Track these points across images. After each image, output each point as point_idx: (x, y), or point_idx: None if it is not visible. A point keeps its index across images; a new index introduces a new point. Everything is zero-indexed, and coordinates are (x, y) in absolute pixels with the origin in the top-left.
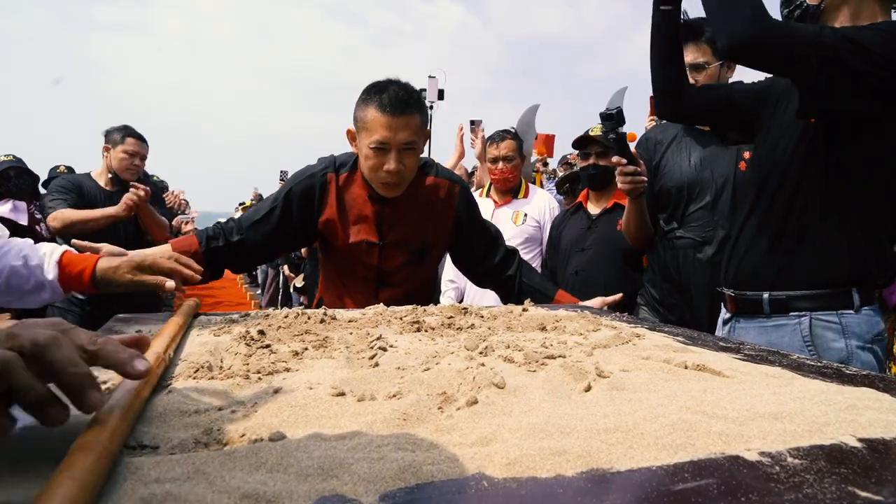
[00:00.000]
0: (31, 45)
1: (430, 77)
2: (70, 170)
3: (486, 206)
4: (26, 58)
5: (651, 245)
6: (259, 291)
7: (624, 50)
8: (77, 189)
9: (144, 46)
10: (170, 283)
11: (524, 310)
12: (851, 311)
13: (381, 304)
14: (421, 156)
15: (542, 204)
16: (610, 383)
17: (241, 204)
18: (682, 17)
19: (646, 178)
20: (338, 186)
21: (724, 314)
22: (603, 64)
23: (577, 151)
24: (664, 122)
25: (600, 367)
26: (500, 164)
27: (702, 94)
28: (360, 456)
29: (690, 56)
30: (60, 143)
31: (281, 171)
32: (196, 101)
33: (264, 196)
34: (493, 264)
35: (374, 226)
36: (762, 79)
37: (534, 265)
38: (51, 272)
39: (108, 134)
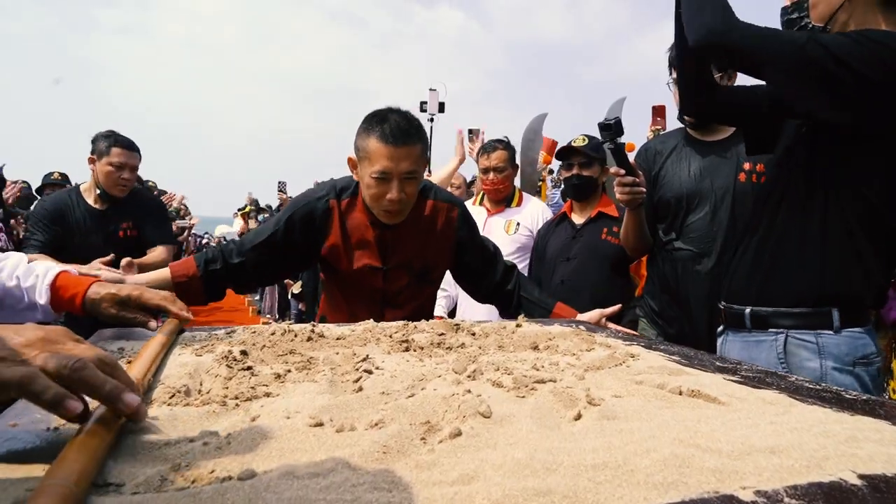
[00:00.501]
0: (31, 45)
1: (430, 90)
2: (64, 177)
3: (479, 215)
4: (26, 58)
5: (650, 256)
6: (257, 297)
7: (624, 54)
8: (59, 219)
9: (145, 49)
10: (152, 324)
11: (518, 325)
12: (830, 332)
13: (372, 320)
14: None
15: (534, 213)
16: (601, 412)
17: (239, 209)
18: None
19: (644, 189)
20: (340, 213)
21: (719, 327)
22: (603, 68)
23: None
24: (664, 132)
25: (591, 394)
26: (491, 175)
27: (731, 93)
28: (332, 497)
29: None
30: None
31: (279, 182)
32: (196, 104)
33: (259, 201)
34: (493, 281)
35: (376, 251)
36: None
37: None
38: (42, 296)
39: (93, 142)
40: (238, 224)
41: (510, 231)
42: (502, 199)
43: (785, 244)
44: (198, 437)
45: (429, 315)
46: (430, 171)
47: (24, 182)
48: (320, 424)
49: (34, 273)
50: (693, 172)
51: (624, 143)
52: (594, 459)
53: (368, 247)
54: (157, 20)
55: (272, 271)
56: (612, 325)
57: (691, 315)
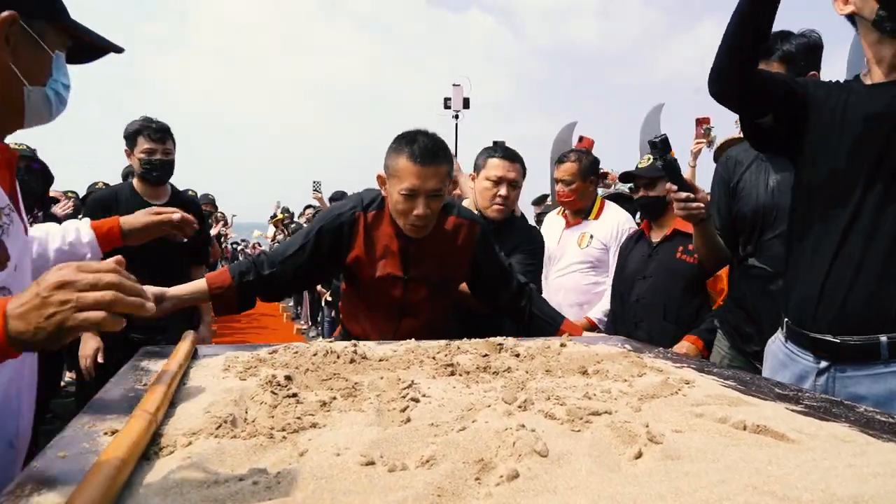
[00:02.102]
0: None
1: (454, 85)
2: (108, 186)
3: (557, 225)
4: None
5: (730, 269)
6: (291, 303)
7: (656, 59)
8: (107, 209)
9: (183, 60)
10: (175, 216)
11: (562, 345)
12: None
13: (412, 338)
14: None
15: (611, 225)
16: (663, 450)
17: (272, 217)
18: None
19: (702, 204)
20: (366, 224)
21: (811, 363)
22: (636, 73)
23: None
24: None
25: (651, 430)
26: (559, 186)
27: (764, 76)
28: None
29: None
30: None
31: (314, 182)
32: (230, 112)
33: (290, 208)
34: (506, 295)
35: (399, 261)
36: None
37: (599, 289)
38: (86, 235)
39: (125, 135)
40: (271, 231)
41: (582, 244)
42: (579, 211)
43: None
44: (247, 476)
45: (443, 326)
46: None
47: (72, 193)
48: (372, 463)
49: (71, 227)
50: (771, 187)
51: (675, 159)
52: None
53: (392, 257)
54: (193, 32)
55: (302, 282)
56: None
57: (764, 335)
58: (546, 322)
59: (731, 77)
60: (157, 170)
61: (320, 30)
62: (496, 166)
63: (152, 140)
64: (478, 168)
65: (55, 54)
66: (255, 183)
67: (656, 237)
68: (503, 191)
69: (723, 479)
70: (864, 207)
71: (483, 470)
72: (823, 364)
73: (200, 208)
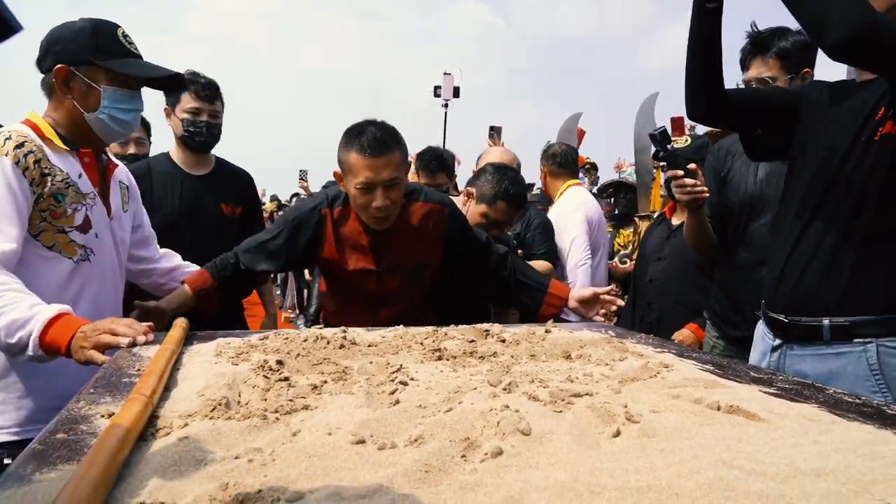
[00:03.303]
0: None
1: (445, 74)
2: (139, 159)
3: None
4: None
5: (716, 258)
6: (279, 292)
7: (649, 49)
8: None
9: (175, 46)
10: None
11: (547, 331)
12: None
13: (401, 325)
14: (408, 182)
15: (557, 211)
16: (640, 429)
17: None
18: (752, 27)
19: (705, 190)
20: (333, 221)
21: (770, 341)
22: (627, 63)
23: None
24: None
25: (629, 410)
26: None
27: (739, 95)
28: None
29: (755, 71)
30: None
31: (300, 171)
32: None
33: (280, 197)
34: (487, 270)
35: (370, 254)
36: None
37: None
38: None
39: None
40: None
41: None
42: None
43: (869, 250)
44: (242, 454)
45: (421, 312)
46: (459, 162)
47: None
48: (362, 441)
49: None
50: (759, 178)
51: (674, 148)
52: (638, 482)
53: (362, 250)
54: (185, 19)
55: (277, 268)
56: (600, 315)
57: (748, 322)
58: (533, 286)
59: (698, 102)
60: (201, 134)
61: (311, 16)
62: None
63: (199, 98)
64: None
65: (102, 89)
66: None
67: (677, 220)
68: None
69: (695, 455)
70: (826, 201)
71: (469, 448)
72: (777, 342)
73: (252, 183)
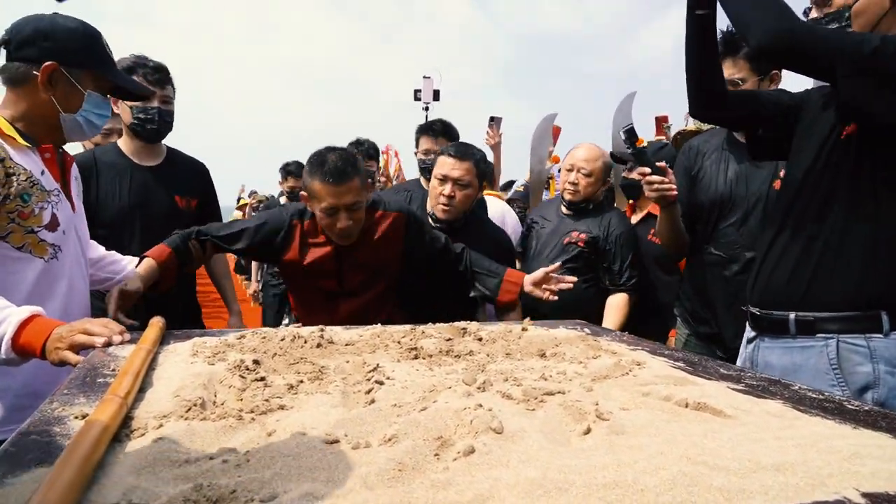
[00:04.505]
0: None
1: (424, 77)
2: (85, 150)
3: None
4: None
5: (687, 256)
6: (261, 287)
7: (629, 46)
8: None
9: (148, 38)
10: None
11: (524, 329)
12: (880, 336)
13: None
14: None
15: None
16: (610, 426)
17: (239, 199)
18: (726, 30)
19: (673, 187)
20: (302, 231)
21: (748, 333)
22: (608, 60)
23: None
24: (696, 131)
25: (600, 408)
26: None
27: (739, 98)
28: None
29: (726, 72)
30: None
31: (284, 163)
32: (198, 95)
33: (258, 191)
34: (447, 268)
35: (333, 262)
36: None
37: None
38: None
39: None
40: (238, 215)
41: None
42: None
43: (832, 248)
44: (217, 454)
45: (381, 303)
46: (395, 152)
47: None
48: (336, 441)
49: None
50: (730, 177)
51: (643, 146)
52: (605, 478)
53: (326, 258)
54: (160, 10)
55: (238, 246)
56: (548, 293)
57: (718, 319)
58: (488, 275)
59: (698, 101)
60: (153, 122)
61: (287, 7)
62: (443, 164)
63: (148, 82)
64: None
65: (87, 93)
66: (216, 166)
67: (635, 219)
68: (447, 190)
69: (661, 451)
70: (798, 200)
71: (442, 447)
72: (752, 334)
73: (208, 174)
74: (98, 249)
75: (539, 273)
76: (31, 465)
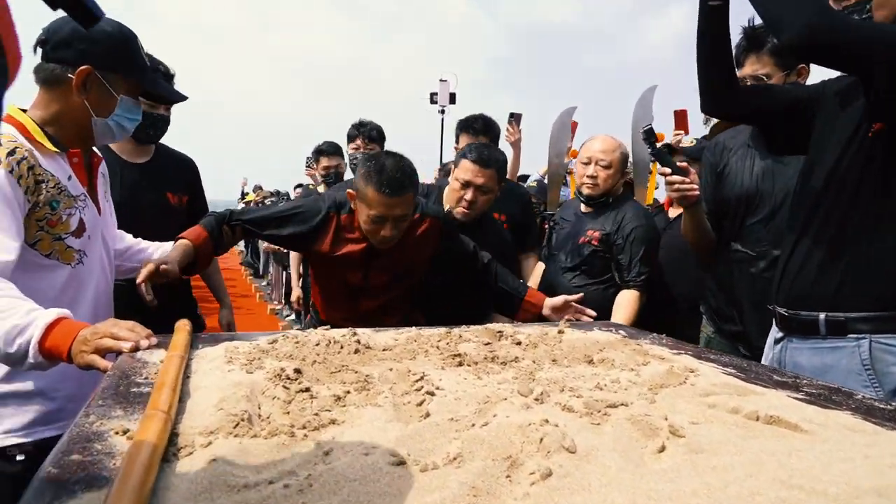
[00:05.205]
0: (38, 25)
1: (441, 80)
2: None
3: None
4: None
5: (714, 252)
6: (264, 283)
7: (632, 39)
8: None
9: (149, 31)
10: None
11: (560, 332)
12: None
13: (372, 318)
14: None
15: None
16: (686, 444)
17: (243, 195)
18: (749, 24)
19: (694, 187)
20: (338, 224)
21: (775, 333)
22: (610, 54)
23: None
24: (714, 128)
25: (671, 423)
26: None
27: (751, 93)
28: None
29: (750, 68)
30: None
31: (307, 158)
32: (197, 88)
33: (263, 186)
34: (473, 276)
35: (362, 258)
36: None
37: None
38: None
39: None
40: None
41: None
42: None
43: (862, 247)
44: (276, 478)
45: (401, 303)
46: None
47: None
48: (403, 463)
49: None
50: (756, 173)
51: (663, 146)
52: None
53: (355, 254)
54: (161, 3)
55: (266, 238)
56: (582, 314)
57: (743, 317)
58: (510, 294)
59: (709, 96)
60: (155, 127)
61: (290, 3)
62: (466, 169)
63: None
64: (455, 162)
65: (120, 98)
66: (219, 160)
67: (674, 213)
68: (469, 195)
69: (750, 474)
70: (825, 197)
71: (512, 467)
72: (779, 335)
73: (196, 170)
74: (124, 240)
75: (559, 300)
76: (77, 491)
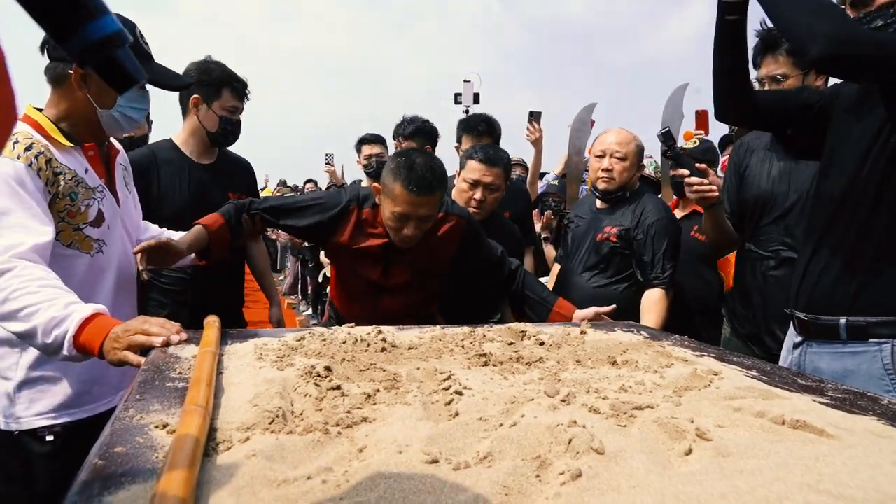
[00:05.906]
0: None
1: (465, 81)
2: (142, 147)
3: None
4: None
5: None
6: (281, 277)
7: (651, 36)
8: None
9: (167, 26)
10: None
11: (582, 332)
12: None
13: (392, 317)
14: None
15: None
16: (714, 448)
17: (262, 189)
18: (762, 26)
19: (713, 188)
20: (358, 218)
21: (794, 337)
22: (629, 50)
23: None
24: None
25: (698, 426)
26: None
27: (766, 98)
28: None
29: (767, 69)
30: None
31: (326, 155)
32: None
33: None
34: (499, 282)
35: (382, 253)
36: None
37: None
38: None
39: (205, 83)
40: None
41: None
42: None
43: (884, 252)
44: (314, 474)
45: (423, 306)
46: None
47: None
48: (436, 461)
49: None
50: (773, 174)
51: (680, 148)
52: None
53: (375, 250)
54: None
55: (284, 228)
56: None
57: (756, 318)
58: (539, 302)
59: (725, 104)
60: (235, 133)
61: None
62: (474, 169)
63: (239, 97)
64: (461, 164)
65: None
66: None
67: (679, 214)
68: (478, 194)
69: (777, 478)
70: (846, 201)
71: (542, 467)
72: (798, 339)
73: (253, 171)
74: (149, 230)
75: (590, 311)
76: (124, 483)
